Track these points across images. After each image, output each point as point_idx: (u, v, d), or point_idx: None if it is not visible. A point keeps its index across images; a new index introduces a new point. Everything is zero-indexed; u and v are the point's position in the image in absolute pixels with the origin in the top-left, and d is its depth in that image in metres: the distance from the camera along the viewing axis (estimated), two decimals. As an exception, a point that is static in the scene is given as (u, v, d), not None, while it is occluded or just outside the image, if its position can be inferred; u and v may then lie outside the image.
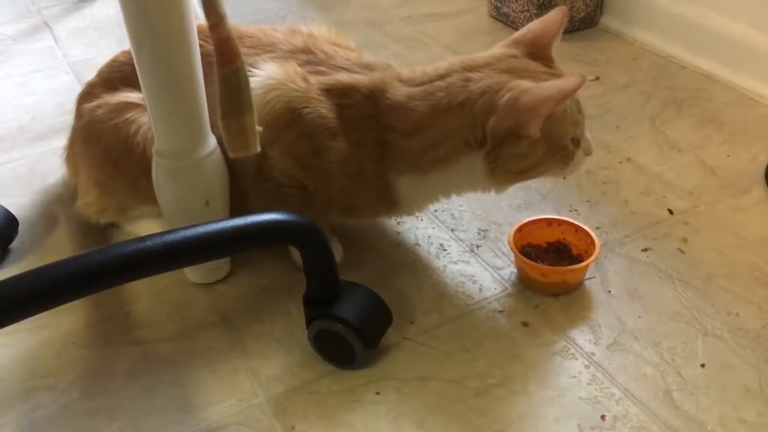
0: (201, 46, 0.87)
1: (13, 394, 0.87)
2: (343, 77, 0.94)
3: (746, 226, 1.10)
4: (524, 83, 0.86)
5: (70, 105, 1.09)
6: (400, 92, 0.92)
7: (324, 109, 0.92)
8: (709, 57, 1.52)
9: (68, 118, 1.11)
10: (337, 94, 0.93)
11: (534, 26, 0.94)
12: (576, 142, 0.91)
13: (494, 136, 0.87)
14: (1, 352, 0.92)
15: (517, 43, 0.94)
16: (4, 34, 1.76)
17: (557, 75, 0.91)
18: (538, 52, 0.93)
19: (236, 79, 0.80)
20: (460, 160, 0.91)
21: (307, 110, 0.91)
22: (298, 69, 0.94)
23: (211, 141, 0.91)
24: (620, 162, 1.26)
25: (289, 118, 0.92)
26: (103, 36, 1.73)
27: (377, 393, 0.86)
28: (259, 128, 0.84)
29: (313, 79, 0.94)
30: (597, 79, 1.51)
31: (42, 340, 0.94)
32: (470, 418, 0.83)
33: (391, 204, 0.98)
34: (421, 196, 0.98)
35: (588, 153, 0.94)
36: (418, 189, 0.96)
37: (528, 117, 0.85)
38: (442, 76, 0.92)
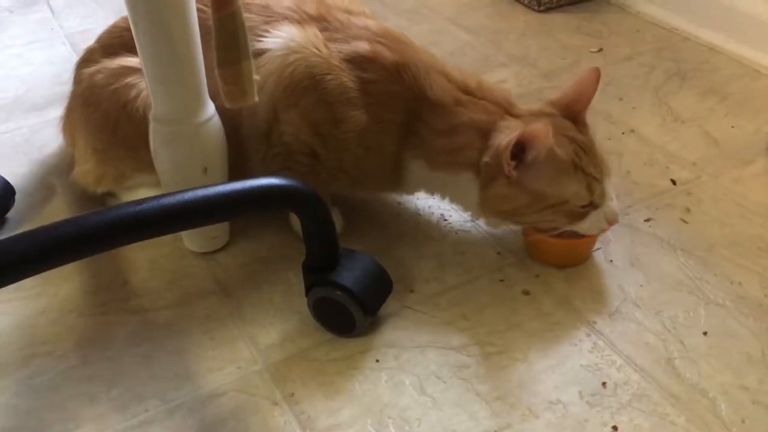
0: (200, 10, 0.86)
1: (11, 361, 0.86)
2: (363, 47, 0.93)
3: (749, 196, 1.10)
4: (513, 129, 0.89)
5: (67, 76, 1.08)
6: (446, 91, 0.93)
7: (346, 78, 0.91)
8: (713, 29, 1.50)
9: (65, 89, 1.10)
10: (359, 66, 0.92)
11: (570, 90, 0.95)
12: (593, 206, 0.91)
13: (485, 173, 0.90)
14: (-2, 319, 0.92)
15: (555, 104, 0.95)
16: (0, 5, 1.74)
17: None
18: (571, 116, 0.94)
19: (232, 23, 0.79)
20: (464, 176, 0.93)
21: (329, 77, 0.91)
22: (319, 34, 0.93)
23: (209, 107, 0.90)
24: (623, 133, 1.24)
25: (310, 83, 0.91)
26: (100, 7, 1.71)
27: (377, 360, 0.86)
28: (256, 77, 0.83)
29: (332, 47, 0.93)
30: (600, 50, 1.49)
31: (40, 308, 0.93)
32: (470, 385, 0.83)
33: (398, 182, 0.98)
34: (423, 184, 1.00)
35: (610, 220, 0.93)
36: (423, 178, 0.97)
37: (500, 157, 0.87)
38: (494, 102, 0.94)
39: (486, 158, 0.90)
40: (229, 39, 0.80)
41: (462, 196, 0.97)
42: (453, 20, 1.64)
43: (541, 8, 1.65)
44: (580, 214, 0.91)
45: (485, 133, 0.91)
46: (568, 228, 0.93)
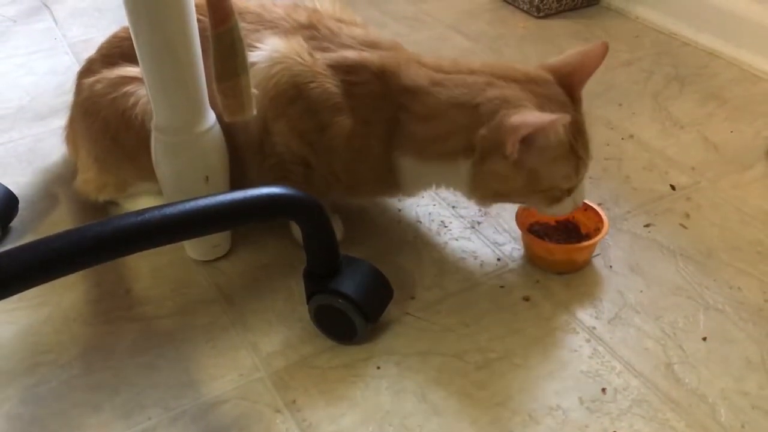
0: (199, 20, 0.87)
1: (16, 370, 0.87)
2: (350, 54, 0.93)
3: (748, 201, 1.10)
4: (525, 109, 0.85)
5: (70, 85, 1.09)
6: (421, 75, 0.91)
7: (330, 84, 0.91)
8: (712, 34, 1.51)
9: (68, 98, 1.10)
10: (344, 70, 0.92)
11: (573, 59, 0.91)
12: (569, 190, 0.91)
13: (481, 147, 0.87)
14: (3, 328, 0.92)
15: (554, 71, 0.92)
16: (3, 15, 1.75)
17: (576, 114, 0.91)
18: (569, 87, 0.91)
19: (230, 38, 0.80)
20: (457, 161, 0.90)
21: (312, 85, 0.91)
22: (303, 44, 0.94)
23: (210, 116, 0.91)
24: (623, 138, 1.25)
25: (294, 93, 0.91)
26: (102, 16, 1.73)
27: (378, 367, 0.86)
28: (254, 91, 0.84)
29: (319, 55, 0.94)
30: (599, 56, 1.50)
31: (43, 317, 0.94)
32: (471, 392, 0.83)
33: (392, 184, 0.98)
34: (417, 180, 0.98)
35: (576, 204, 0.94)
36: (417, 173, 0.96)
37: (507, 136, 0.84)
38: (471, 72, 0.91)
39: (483, 131, 0.86)
40: (226, 53, 0.80)
41: (457, 179, 0.94)
42: (453, 27, 1.65)
43: (541, 14, 1.66)
44: (559, 198, 0.91)
45: (470, 108, 0.87)
46: (544, 211, 0.94)
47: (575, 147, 0.88)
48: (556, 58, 0.93)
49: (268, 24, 0.97)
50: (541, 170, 0.88)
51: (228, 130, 0.93)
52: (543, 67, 0.93)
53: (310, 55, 0.92)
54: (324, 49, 0.95)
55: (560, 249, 0.97)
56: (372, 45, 0.96)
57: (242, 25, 0.93)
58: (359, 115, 0.92)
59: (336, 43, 0.96)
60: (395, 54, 0.94)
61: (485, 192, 0.92)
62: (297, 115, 0.92)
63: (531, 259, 1.00)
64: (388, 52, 0.95)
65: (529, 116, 0.84)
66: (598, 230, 0.98)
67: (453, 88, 0.89)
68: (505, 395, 0.83)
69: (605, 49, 0.90)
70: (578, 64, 0.91)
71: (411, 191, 1.02)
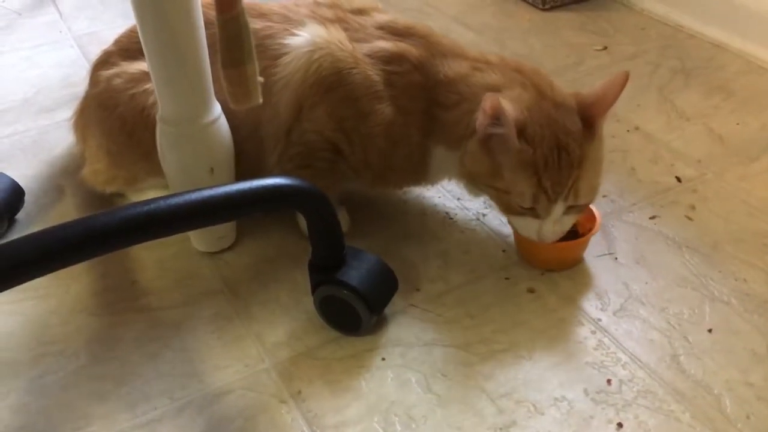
0: (206, 14, 0.87)
1: (22, 361, 0.87)
2: (387, 45, 0.94)
3: (754, 193, 1.10)
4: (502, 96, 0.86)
5: (75, 78, 1.09)
6: (462, 66, 0.93)
7: (371, 72, 0.92)
8: (718, 26, 1.50)
9: (73, 91, 1.11)
10: (384, 60, 0.93)
11: (596, 90, 0.89)
12: (533, 213, 0.89)
13: (474, 127, 0.89)
14: (9, 319, 0.93)
15: (579, 100, 0.90)
16: (9, 8, 1.75)
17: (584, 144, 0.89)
18: (589, 118, 0.89)
19: (236, 25, 0.79)
20: (468, 143, 0.91)
21: (354, 71, 0.91)
22: (342, 33, 0.94)
23: (216, 108, 0.91)
24: (628, 131, 1.25)
25: (335, 79, 0.92)
26: (107, 9, 1.73)
27: (383, 359, 0.86)
28: (260, 79, 0.84)
29: (356, 46, 0.94)
30: (605, 48, 1.49)
31: (49, 308, 0.94)
32: (476, 383, 0.83)
33: (422, 172, 0.99)
34: (443, 169, 0.99)
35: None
36: (444, 162, 0.96)
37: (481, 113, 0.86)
38: (517, 69, 0.93)
39: (477, 113, 0.87)
40: (232, 41, 0.80)
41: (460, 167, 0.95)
42: (457, 19, 1.65)
43: (546, 6, 1.66)
44: (518, 212, 0.90)
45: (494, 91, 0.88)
46: (510, 221, 0.95)
47: (538, 173, 0.86)
48: (588, 89, 0.92)
49: (295, 23, 0.97)
50: (503, 165, 0.87)
51: (254, 120, 0.93)
52: (573, 94, 0.91)
53: (350, 43, 0.93)
54: (358, 40, 0.95)
55: (548, 247, 0.95)
56: (404, 33, 0.97)
57: (269, 24, 0.94)
58: (399, 104, 0.93)
59: (367, 35, 0.96)
60: (429, 44, 0.95)
61: (462, 170, 0.93)
62: (337, 102, 0.92)
63: (522, 256, 1.00)
64: (423, 40, 0.96)
65: (495, 98, 0.83)
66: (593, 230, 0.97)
67: (488, 75, 0.91)
68: (509, 387, 0.83)
69: (625, 78, 0.87)
70: (599, 95, 0.88)
71: (435, 180, 1.03)
